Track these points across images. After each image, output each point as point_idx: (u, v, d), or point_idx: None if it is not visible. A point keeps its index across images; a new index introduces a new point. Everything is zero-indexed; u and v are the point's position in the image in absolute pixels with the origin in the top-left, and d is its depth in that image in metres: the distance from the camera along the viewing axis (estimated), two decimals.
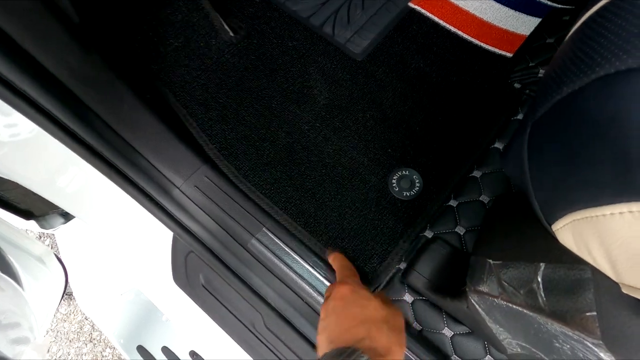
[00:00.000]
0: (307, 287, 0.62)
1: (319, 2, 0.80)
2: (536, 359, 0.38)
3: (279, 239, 0.64)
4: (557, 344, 0.34)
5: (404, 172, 0.68)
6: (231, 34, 0.76)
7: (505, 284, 0.37)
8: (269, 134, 0.71)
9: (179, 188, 0.66)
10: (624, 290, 0.28)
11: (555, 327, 0.33)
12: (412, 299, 0.60)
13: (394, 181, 0.67)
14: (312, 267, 0.63)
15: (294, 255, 0.63)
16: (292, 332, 0.61)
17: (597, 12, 0.35)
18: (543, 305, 0.34)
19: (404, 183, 0.67)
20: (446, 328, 0.58)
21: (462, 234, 0.62)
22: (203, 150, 0.68)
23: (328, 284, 0.62)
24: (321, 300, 0.61)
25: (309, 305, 0.62)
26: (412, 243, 0.63)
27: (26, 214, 0.73)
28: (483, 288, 0.40)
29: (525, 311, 0.36)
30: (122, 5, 0.74)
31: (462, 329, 0.57)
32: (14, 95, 0.46)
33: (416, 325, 0.60)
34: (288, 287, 0.63)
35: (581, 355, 0.32)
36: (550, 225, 0.33)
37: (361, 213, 0.66)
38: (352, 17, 0.79)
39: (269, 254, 0.63)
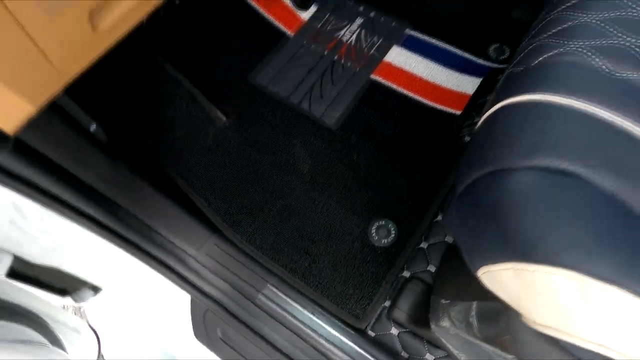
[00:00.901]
0: (309, 332, 0.73)
1: (295, 82, 0.95)
2: None
3: (282, 292, 0.76)
4: (487, 357, 0.46)
5: (380, 222, 0.80)
6: (224, 119, 0.90)
7: (454, 319, 0.49)
8: (264, 201, 0.84)
9: (193, 257, 0.78)
10: (523, 320, 0.40)
11: (489, 348, 0.45)
12: (398, 331, 0.72)
13: (373, 231, 0.80)
14: (312, 314, 0.74)
15: (296, 305, 0.75)
16: None
17: (492, 113, 0.48)
18: (478, 333, 0.45)
19: (382, 232, 0.80)
20: (428, 354, 0.69)
21: (433, 271, 0.74)
22: (211, 222, 0.81)
23: (329, 329, 0.73)
24: (322, 342, 0.72)
25: (314, 347, 0.73)
26: (393, 284, 0.75)
27: (62, 292, 0.85)
28: (441, 323, 0.52)
29: (470, 338, 0.48)
30: (134, 110, 0.88)
31: (441, 353, 0.68)
32: (62, 206, 0.59)
33: (404, 354, 0.71)
34: (294, 332, 0.74)
35: None
36: (474, 272, 0.45)
37: (348, 262, 0.78)
38: (324, 93, 0.94)
39: (274, 306, 0.75)
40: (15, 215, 0.64)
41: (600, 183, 0.36)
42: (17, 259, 0.69)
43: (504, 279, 0.39)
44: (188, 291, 0.77)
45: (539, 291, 0.35)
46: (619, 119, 0.38)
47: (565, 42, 0.43)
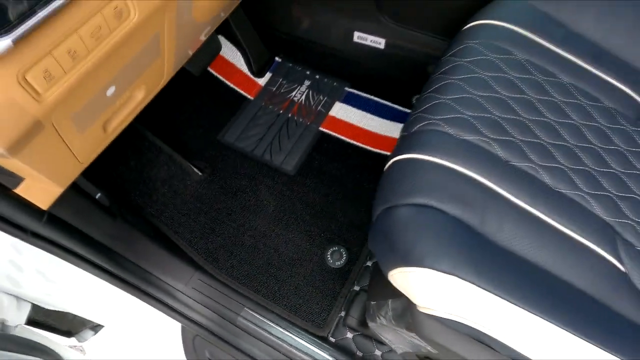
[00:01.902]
0: (282, 344, 0.90)
1: (257, 138, 1.15)
2: (409, 352, 0.68)
3: (257, 313, 0.92)
4: (408, 340, 0.64)
5: (334, 248, 0.99)
6: (199, 173, 1.08)
7: (380, 315, 0.67)
8: (237, 239, 1.01)
9: (181, 291, 0.94)
10: (416, 307, 0.59)
11: (403, 331, 0.63)
12: (352, 335, 0.89)
13: (328, 256, 0.98)
14: (283, 329, 0.91)
15: (269, 322, 0.91)
16: None
17: (389, 166, 0.68)
18: (394, 321, 0.64)
19: (336, 256, 0.98)
20: (376, 350, 0.86)
21: None
22: (194, 260, 0.97)
23: (298, 339, 0.90)
24: (294, 351, 0.89)
25: (287, 356, 0.89)
26: (346, 297, 0.93)
27: (67, 333, 0.98)
28: (375, 321, 0.70)
29: (392, 327, 0.66)
30: (125, 175, 1.05)
31: (386, 348, 0.86)
32: (79, 259, 0.75)
33: (359, 353, 0.88)
34: (270, 346, 0.90)
35: (417, 342, 0.63)
36: (386, 277, 0.64)
37: (310, 283, 0.95)
38: (282, 145, 1.14)
39: (252, 326, 0.91)
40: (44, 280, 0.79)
41: (448, 211, 0.56)
42: (35, 307, 0.83)
43: (399, 279, 0.58)
44: (179, 320, 0.93)
45: (415, 285, 0.54)
46: (461, 167, 0.59)
47: (430, 117, 0.64)
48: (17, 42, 0.34)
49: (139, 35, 0.49)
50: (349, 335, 0.89)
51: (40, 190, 0.58)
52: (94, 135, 0.59)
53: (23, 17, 0.33)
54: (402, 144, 0.65)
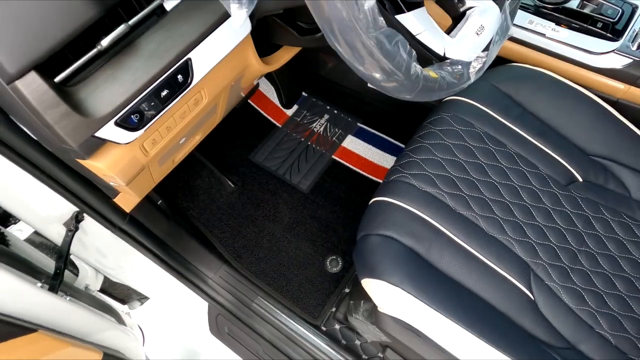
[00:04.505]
0: (284, 327, 1.15)
1: (281, 160, 1.40)
2: (375, 341, 0.92)
3: (268, 302, 1.18)
4: (373, 332, 0.88)
5: (332, 256, 1.23)
6: (232, 186, 1.35)
7: (355, 312, 0.91)
8: (258, 242, 1.27)
9: (210, 278, 1.21)
10: (379, 309, 0.82)
11: (370, 324, 0.87)
12: (339, 327, 1.13)
13: (327, 263, 1.23)
14: (287, 316, 1.16)
15: (277, 310, 1.17)
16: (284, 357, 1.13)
17: (370, 205, 0.91)
18: (364, 319, 0.87)
19: (333, 263, 1.23)
20: (357, 340, 1.10)
21: None
22: (223, 255, 1.24)
23: (297, 325, 1.15)
24: (293, 334, 1.14)
25: (287, 337, 1.14)
26: (338, 296, 1.17)
27: (122, 301, 1.27)
28: (352, 316, 0.94)
29: (364, 320, 0.90)
30: (176, 185, 1.33)
31: (363, 339, 1.10)
32: (142, 247, 1.03)
33: (343, 341, 1.12)
34: (275, 328, 1.16)
35: (379, 334, 0.87)
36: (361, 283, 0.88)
37: (310, 282, 1.20)
38: (301, 167, 1.39)
39: (263, 311, 1.17)
40: (99, 256, 1.08)
41: (404, 242, 0.79)
42: (106, 278, 1.12)
43: (367, 286, 0.82)
44: (206, 300, 1.19)
45: (375, 291, 0.78)
46: (418, 211, 0.82)
47: (403, 171, 0.87)
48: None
49: (205, 109, 0.76)
50: (337, 326, 1.14)
51: (127, 199, 0.86)
52: (167, 165, 0.86)
53: (152, 116, 0.59)
54: (382, 188, 0.89)
